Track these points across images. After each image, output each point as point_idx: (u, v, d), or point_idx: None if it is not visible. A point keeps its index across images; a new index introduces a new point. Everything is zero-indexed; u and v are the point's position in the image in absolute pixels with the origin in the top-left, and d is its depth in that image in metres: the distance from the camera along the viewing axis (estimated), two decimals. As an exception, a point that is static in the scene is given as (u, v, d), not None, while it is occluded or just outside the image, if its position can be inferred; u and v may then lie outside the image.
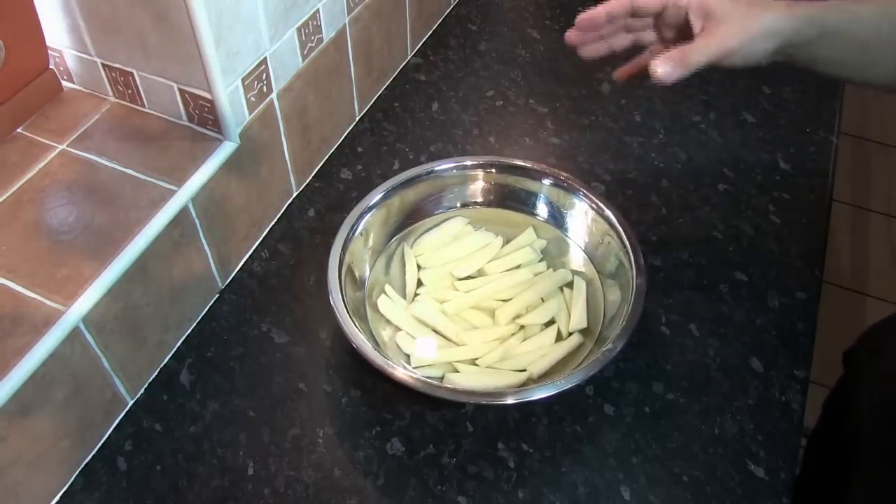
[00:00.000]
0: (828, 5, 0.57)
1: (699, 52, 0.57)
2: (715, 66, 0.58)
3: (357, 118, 0.88)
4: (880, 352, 0.73)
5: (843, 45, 0.58)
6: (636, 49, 0.64)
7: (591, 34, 0.63)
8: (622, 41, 0.64)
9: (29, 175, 0.62)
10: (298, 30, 0.70)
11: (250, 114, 0.67)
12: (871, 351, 0.76)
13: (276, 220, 0.77)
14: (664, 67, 0.57)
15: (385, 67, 0.91)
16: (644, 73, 0.61)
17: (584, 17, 0.62)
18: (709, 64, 0.57)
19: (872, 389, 0.71)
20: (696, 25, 0.59)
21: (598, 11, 0.61)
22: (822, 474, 0.75)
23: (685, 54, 0.57)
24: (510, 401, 0.58)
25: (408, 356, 0.64)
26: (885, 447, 0.65)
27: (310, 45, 0.72)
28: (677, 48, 0.57)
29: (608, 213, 0.67)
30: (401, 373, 0.56)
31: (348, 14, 0.77)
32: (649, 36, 0.63)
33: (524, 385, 0.61)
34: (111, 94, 0.68)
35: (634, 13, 0.61)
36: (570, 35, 0.63)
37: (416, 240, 0.71)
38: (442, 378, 0.62)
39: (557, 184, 0.70)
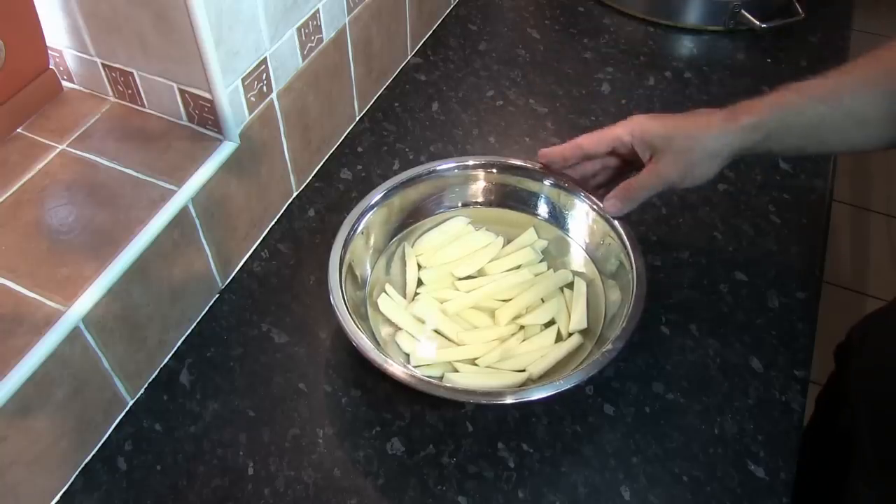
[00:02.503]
0: (766, 106, 0.59)
1: (642, 189, 0.63)
2: (671, 191, 0.63)
3: (357, 118, 0.88)
4: (868, 345, 0.74)
5: (792, 137, 0.59)
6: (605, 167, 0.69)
7: (557, 165, 0.69)
8: (591, 167, 0.69)
9: (29, 175, 0.62)
10: (298, 30, 0.70)
11: (250, 114, 0.67)
12: (859, 344, 0.76)
13: (276, 220, 0.77)
14: (614, 206, 0.64)
15: (385, 67, 0.91)
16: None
17: (543, 154, 0.68)
18: (656, 194, 0.63)
19: (863, 382, 0.71)
20: (644, 157, 0.63)
21: (554, 154, 0.68)
22: (818, 470, 0.76)
23: (629, 192, 0.63)
24: (510, 401, 0.58)
25: (407, 356, 0.64)
26: (881, 441, 0.65)
27: (310, 45, 0.72)
28: (623, 184, 0.64)
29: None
30: (401, 372, 0.56)
31: (348, 14, 0.77)
32: (612, 161, 0.67)
33: (524, 385, 0.61)
34: (111, 94, 0.68)
35: (588, 156, 0.67)
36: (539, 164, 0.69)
37: (416, 239, 0.71)
38: (441, 378, 0.62)
39: (558, 184, 0.70)
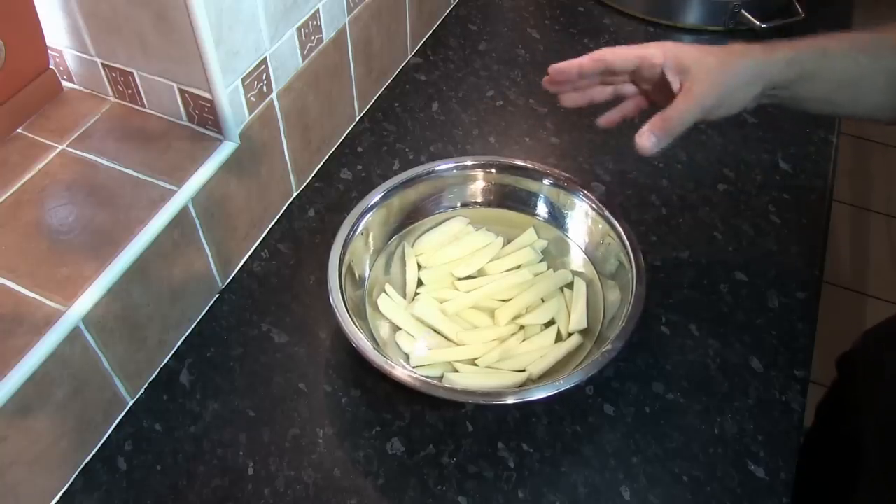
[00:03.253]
0: (804, 46, 0.56)
1: (681, 117, 0.56)
2: (703, 120, 0.57)
3: (357, 118, 0.88)
4: (883, 359, 0.73)
5: (824, 84, 0.57)
6: (618, 98, 0.63)
7: (568, 85, 0.62)
8: (602, 93, 0.62)
9: (29, 175, 0.62)
10: (298, 30, 0.70)
11: (250, 114, 0.67)
12: (872, 357, 0.75)
13: (276, 220, 0.77)
14: (649, 140, 0.56)
15: (385, 67, 0.91)
16: (628, 119, 0.61)
17: (555, 68, 0.61)
18: (692, 123, 0.56)
19: (875, 397, 0.70)
20: (675, 83, 0.57)
21: (569, 66, 0.60)
22: (819, 481, 0.75)
23: (667, 122, 0.56)
24: (510, 401, 0.58)
25: (407, 356, 0.64)
26: (887, 449, 0.65)
27: (310, 45, 0.72)
28: (658, 115, 0.56)
29: (608, 213, 0.67)
30: (401, 373, 0.56)
31: (348, 14, 0.77)
32: (629, 88, 0.62)
33: (524, 385, 0.61)
34: (111, 94, 0.68)
35: (608, 71, 0.60)
36: (547, 83, 0.62)
37: (416, 239, 0.71)
38: (441, 378, 0.62)
39: (557, 184, 0.70)
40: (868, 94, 0.57)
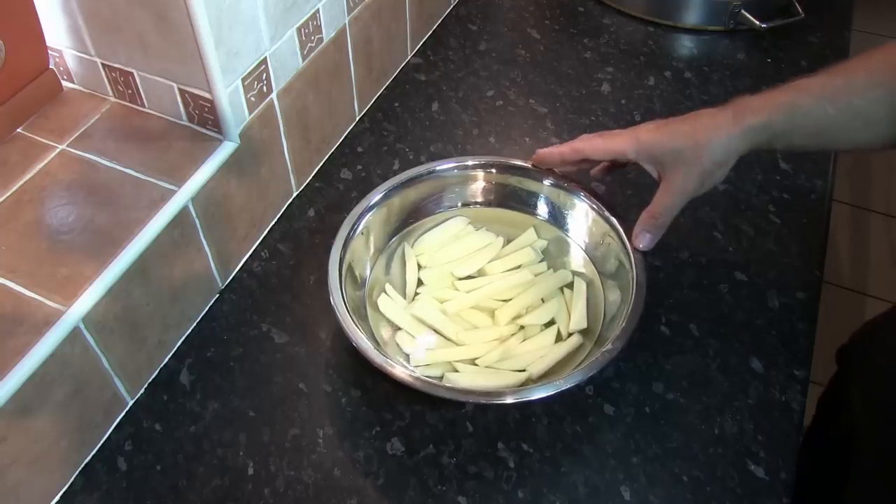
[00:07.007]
0: (774, 106, 0.58)
1: (667, 210, 0.61)
2: (691, 202, 0.62)
3: (357, 118, 0.88)
4: (872, 349, 0.74)
5: (798, 137, 0.59)
6: None
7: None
8: (587, 165, 0.68)
9: (29, 175, 0.62)
10: (298, 30, 0.70)
11: (250, 114, 0.67)
12: (863, 348, 0.76)
13: (276, 220, 0.77)
14: (644, 238, 0.63)
15: (385, 67, 0.91)
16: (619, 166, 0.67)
17: (539, 154, 0.68)
18: (680, 210, 0.62)
19: (865, 386, 0.71)
20: (653, 172, 0.63)
21: (550, 154, 0.67)
22: (817, 473, 0.76)
23: (656, 218, 0.62)
24: (510, 401, 0.58)
25: (407, 356, 0.64)
26: (880, 444, 0.65)
27: (310, 45, 0.72)
28: (646, 213, 0.62)
29: (608, 213, 0.67)
30: (401, 372, 0.56)
31: (348, 14, 0.77)
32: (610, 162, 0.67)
33: (524, 385, 0.61)
34: (111, 94, 0.68)
35: (586, 160, 0.66)
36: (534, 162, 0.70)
37: (416, 239, 0.71)
38: (441, 378, 0.62)
39: (558, 184, 0.70)
40: (843, 136, 0.58)
